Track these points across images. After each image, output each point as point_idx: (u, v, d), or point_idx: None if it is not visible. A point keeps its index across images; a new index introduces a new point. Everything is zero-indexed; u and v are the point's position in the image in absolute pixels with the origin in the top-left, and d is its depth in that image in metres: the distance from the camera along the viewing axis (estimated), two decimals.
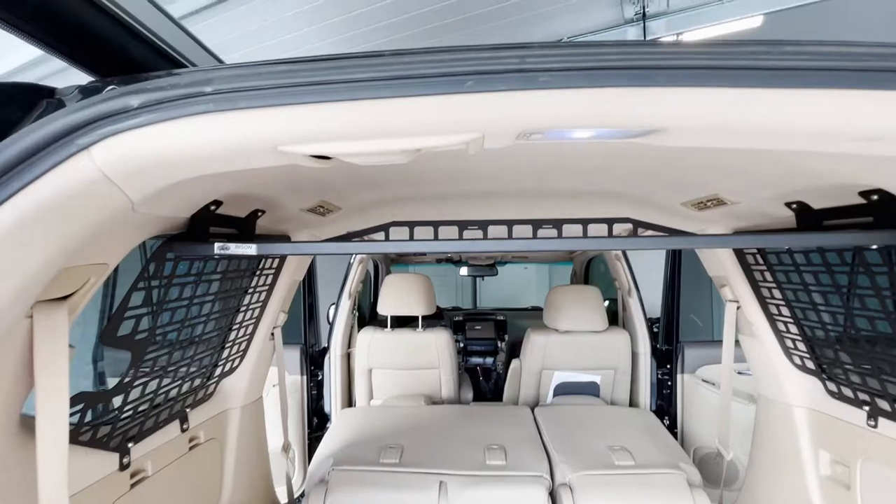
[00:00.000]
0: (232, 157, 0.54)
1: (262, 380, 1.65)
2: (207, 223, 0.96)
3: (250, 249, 0.85)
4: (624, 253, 2.71)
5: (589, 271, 3.63)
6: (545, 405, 2.50)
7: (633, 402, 2.68)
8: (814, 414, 1.39)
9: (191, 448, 1.26)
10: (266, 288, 1.49)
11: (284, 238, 1.24)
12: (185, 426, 1.22)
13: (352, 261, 2.80)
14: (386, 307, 2.63)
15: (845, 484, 1.28)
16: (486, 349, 3.82)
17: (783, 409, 1.48)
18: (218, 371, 1.40)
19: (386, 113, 0.49)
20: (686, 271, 2.57)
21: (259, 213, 1.18)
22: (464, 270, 4.37)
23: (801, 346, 1.38)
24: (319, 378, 2.78)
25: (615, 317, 3.02)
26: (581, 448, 1.85)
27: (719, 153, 0.92)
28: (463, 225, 1.43)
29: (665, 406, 2.65)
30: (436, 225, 1.45)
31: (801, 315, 1.34)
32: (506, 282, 7.12)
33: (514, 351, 2.80)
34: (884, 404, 1.14)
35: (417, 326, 2.68)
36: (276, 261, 1.50)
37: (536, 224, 1.40)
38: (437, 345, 2.61)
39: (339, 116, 0.50)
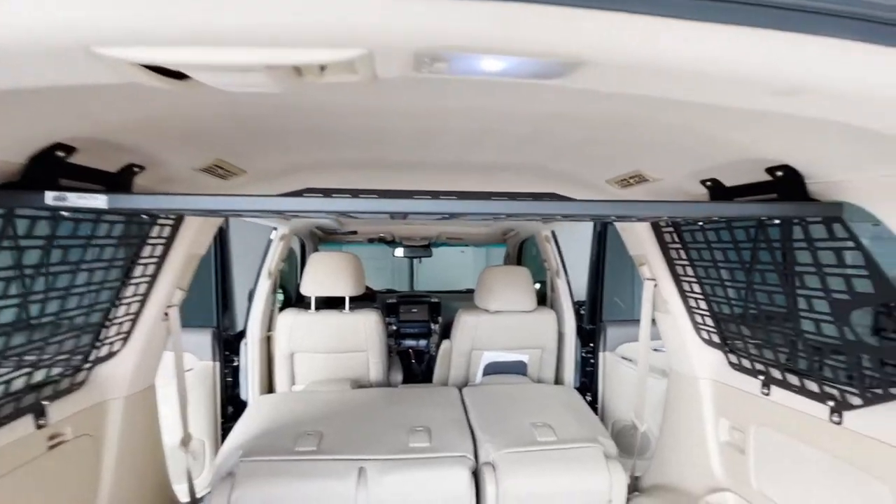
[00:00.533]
0: (25, 58, 0.40)
1: (154, 366, 1.45)
2: (54, 173, 0.77)
3: (98, 201, 0.68)
4: (553, 234, 2.75)
5: (522, 253, 3.68)
6: (474, 385, 2.49)
7: (558, 380, 2.76)
8: (717, 385, 1.48)
9: (51, 447, 1.06)
10: (155, 260, 1.29)
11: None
12: (41, 421, 1.02)
13: (272, 237, 2.59)
14: (309, 287, 2.46)
15: (741, 448, 1.37)
16: (420, 331, 3.77)
17: (690, 381, 1.55)
18: (91, 356, 1.20)
19: (241, 7, 0.38)
20: (611, 256, 2.66)
21: (136, 170, 0.99)
22: (399, 251, 4.25)
23: (709, 321, 1.44)
24: (235, 364, 2.57)
25: (546, 299, 3.08)
26: (505, 426, 1.84)
27: (643, 124, 0.90)
28: (384, 195, 1.32)
29: (588, 383, 2.75)
30: (355, 193, 1.33)
31: (710, 291, 1.40)
32: (443, 265, 7.11)
33: (448, 333, 2.76)
34: (776, 373, 1.22)
35: (345, 308, 2.55)
36: (168, 229, 1.30)
37: (462, 197, 1.33)
38: (366, 327, 2.50)
39: (177, 8, 0.38)
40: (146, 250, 1.26)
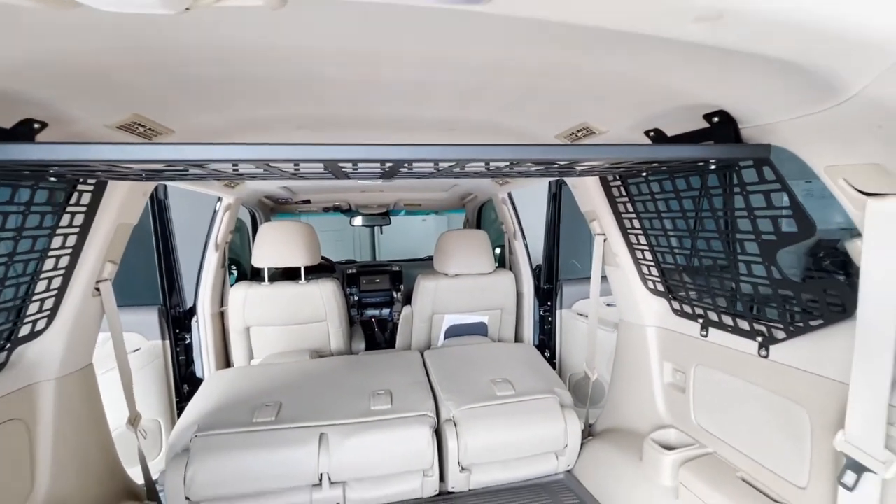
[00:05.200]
0: None
1: (88, 345, 1.36)
2: None
3: None
4: (510, 196, 2.76)
5: (481, 218, 3.69)
6: (436, 348, 2.52)
7: (518, 339, 2.83)
8: (662, 331, 1.56)
9: None
10: (76, 230, 1.19)
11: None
12: None
13: (217, 207, 2.45)
14: (261, 259, 2.37)
15: (682, 388, 1.46)
16: (382, 301, 3.75)
17: (638, 329, 1.63)
18: (11, 336, 1.10)
19: None
20: (568, 218, 2.70)
21: (36, 126, 0.88)
22: (357, 220, 4.15)
23: (654, 271, 1.50)
24: (188, 342, 2.47)
25: (506, 262, 3.11)
26: (466, 384, 1.88)
27: (582, 71, 0.88)
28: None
29: (546, 340, 2.85)
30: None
31: (654, 242, 1.45)
32: (405, 235, 7.06)
33: (410, 301, 2.76)
34: (713, 316, 1.29)
35: (301, 279, 2.48)
36: (89, 196, 1.19)
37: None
38: (323, 296, 2.45)
39: None
40: (65, 219, 1.15)
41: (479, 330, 2.68)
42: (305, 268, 2.47)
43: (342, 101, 1.10)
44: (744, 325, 1.18)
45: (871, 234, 0.77)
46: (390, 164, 0.94)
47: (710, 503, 1.17)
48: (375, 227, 7.09)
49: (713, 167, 0.98)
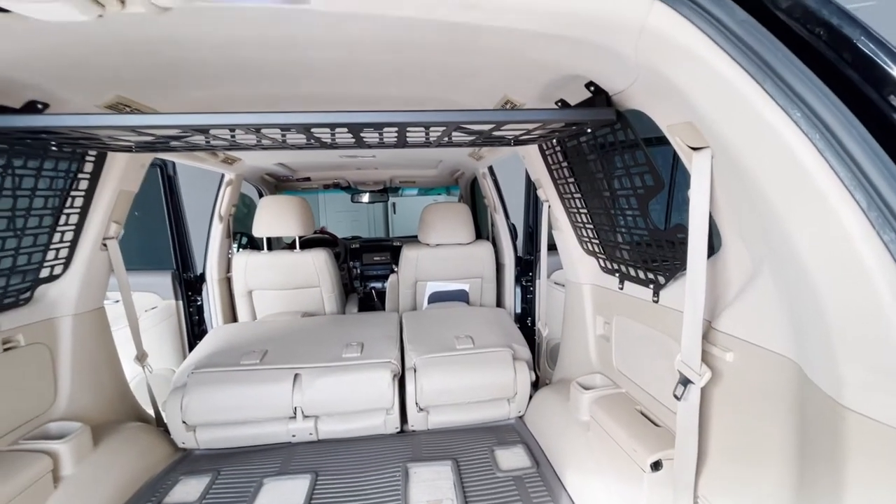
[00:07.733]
0: None
1: (99, 290, 1.64)
2: None
3: None
4: (491, 171, 2.90)
5: (474, 193, 3.84)
6: (414, 311, 2.73)
7: (499, 306, 3.01)
8: (594, 288, 1.70)
9: (6, 349, 1.27)
10: (82, 194, 1.45)
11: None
12: None
13: (221, 182, 2.73)
14: (260, 229, 2.64)
15: (607, 337, 1.61)
16: (383, 273, 4.00)
17: (577, 287, 1.78)
18: (35, 276, 1.38)
19: None
20: None
21: (39, 106, 1.13)
22: (364, 198, 4.39)
23: (587, 232, 1.64)
24: (200, 303, 2.79)
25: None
26: (431, 339, 2.09)
27: (487, 51, 1.02)
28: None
29: (528, 309, 3.01)
30: (259, 128, 1.46)
31: (584, 205, 1.58)
32: (416, 213, 7.28)
33: None
34: (625, 269, 1.43)
35: (296, 248, 2.73)
36: (91, 164, 1.45)
37: (355, 128, 1.47)
38: (315, 263, 2.70)
39: None
40: (73, 185, 1.41)
41: (460, 297, 2.88)
42: (309, 242, 2.72)
43: (282, 80, 1.29)
44: (642, 275, 1.32)
45: (694, 181, 0.91)
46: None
47: (608, 431, 1.33)
48: (389, 208, 7.35)
49: (589, 130, 1.12)
